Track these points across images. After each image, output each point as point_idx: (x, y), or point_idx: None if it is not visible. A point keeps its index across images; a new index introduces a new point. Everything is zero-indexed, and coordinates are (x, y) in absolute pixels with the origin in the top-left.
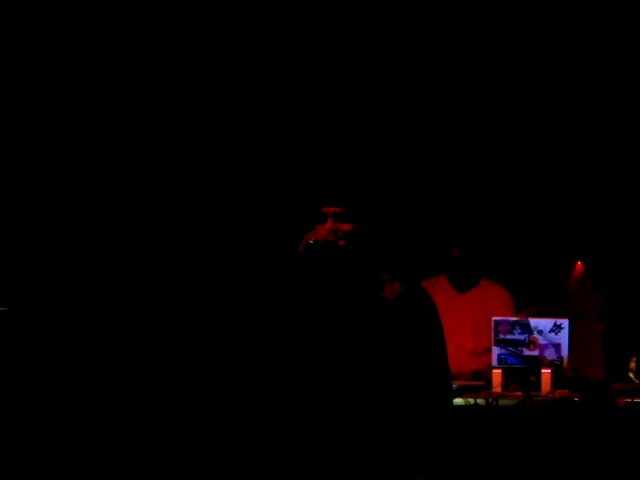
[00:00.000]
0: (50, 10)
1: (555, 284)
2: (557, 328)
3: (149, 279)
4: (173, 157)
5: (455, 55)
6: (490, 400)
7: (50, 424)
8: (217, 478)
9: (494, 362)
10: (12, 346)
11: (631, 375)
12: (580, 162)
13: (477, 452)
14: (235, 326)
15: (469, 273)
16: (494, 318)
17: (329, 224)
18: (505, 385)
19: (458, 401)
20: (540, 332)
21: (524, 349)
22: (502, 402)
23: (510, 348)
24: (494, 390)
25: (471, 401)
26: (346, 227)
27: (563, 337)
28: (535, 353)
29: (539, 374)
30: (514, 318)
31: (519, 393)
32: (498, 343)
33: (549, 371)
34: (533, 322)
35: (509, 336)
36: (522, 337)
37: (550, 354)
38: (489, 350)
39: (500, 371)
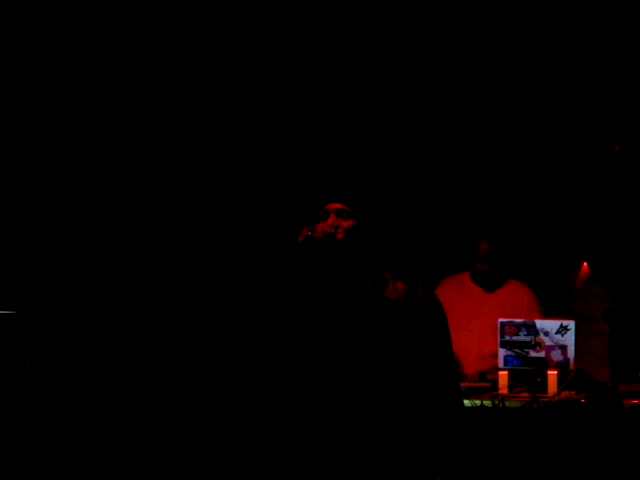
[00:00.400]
0: (50, 10)
1: (561, 285)
2: (563, 329)
3: (150, 274)
4: (174, 151)
5: (465, 52)
6: (496, 402)
7: (56, 426)
8: (217, 478)
9: (500, 364)
10: (18, 349)
11: None
12: (586, 163)
13: (484, 454)
14: (236, 324)
15: (496, 272)
16: (499, 320)
17: (331, 219)
18: (511, 387)
19: (465, 403)
20: (546, 333)
21: (530, 351)
22: (508, 404)
23: (516, 350)
24: (500, 392)
25: (477, 403)
26: (347, 223)
27: (569, 339)
28: (541, 355)
29: (545, 376)
30: (521, 320)
31: (525, 395)
32: (504, 345)
33: (555, 373)
34: (539, 324)
35: (515, 338)
36: (528, 339)
37: (556, 356)
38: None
39: (506, 373)
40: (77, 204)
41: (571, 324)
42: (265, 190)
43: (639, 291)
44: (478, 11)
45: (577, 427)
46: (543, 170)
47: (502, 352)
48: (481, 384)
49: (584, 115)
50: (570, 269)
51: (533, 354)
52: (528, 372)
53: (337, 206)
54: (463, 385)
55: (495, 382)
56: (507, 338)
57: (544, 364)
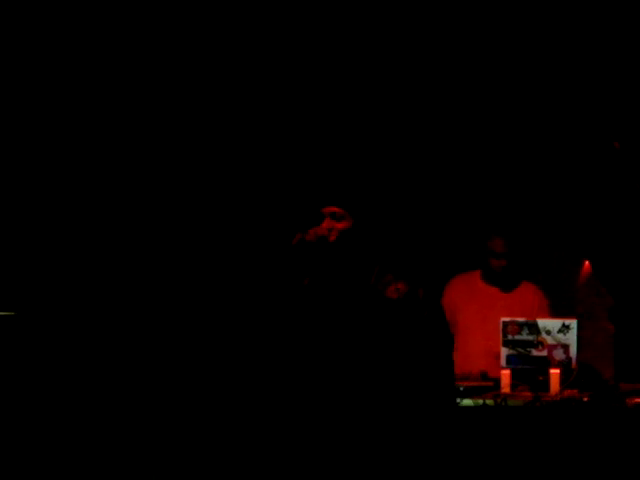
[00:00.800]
0: (50, 10)
1: (564, 284)
2: (565, 328)
3: (149, 276)
4: (173, 156)
5: (467, 52)
6: (499, 401)
7: (56, 427)
8: (217, 478)
9: (502, 363)
10: (18, 350)
11: None
12: (587, 161)
13: (486, 453)
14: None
15: (511, 271)
16: (502, 319)
17: (325, 222)
18: (514, 386)
19: (467, 402)
20: (548, 332)
21: (532, 350)
22: (511, 403)
23: (519, 349)
24: (503, 391)
25: (480, 402)
26: (341, 225)
27: (572, 337)
28: (543, 354)
29: (548, 374)
30: (523, 319)
31: (528, 394)
32: (507, 344)
33: (558, 371)
34: (541, 322)
35: (517, 337)
36: (530, 338)
37: (559, 355)
38: None
39: (509, 372)
40: (76, 205)
41: (573, 323)
42: (261, 193)
43: None
44: (480, 11)
45: (580, 426)
46: (543, 168)
47: (504, 351)
48: (483, 383)
49: (582, 113)
50: (572, 268)
51: (535, 353)
52: (530, 371)
53: (331, 209)
54: (465, 384)
55: (497, 381)
56: (509, 337)
57: (546, 363)
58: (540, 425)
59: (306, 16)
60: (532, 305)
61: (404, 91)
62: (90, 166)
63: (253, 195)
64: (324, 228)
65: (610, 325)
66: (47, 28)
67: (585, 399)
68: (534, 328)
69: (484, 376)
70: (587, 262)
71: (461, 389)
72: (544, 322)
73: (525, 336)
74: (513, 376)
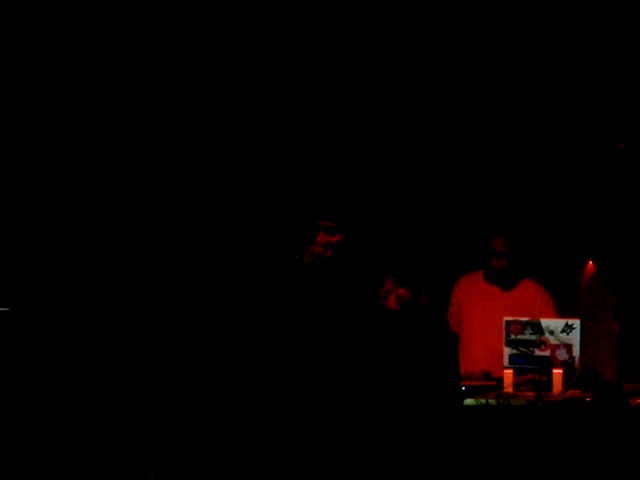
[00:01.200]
0: (50, 10)
1: (567, 284)
2: (569, 328)
3: (149, 284)
4: (173, 158)
5: (469, 53)
6: (501, 400)
7: (51, 424)
8: (217, 478)
9: (505, 362)
10: (13, 346)
11: None
12: (592, 161)
13: (489, 452)
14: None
15: (512, 270)
16: (505, 318)
17: (320, 237)
18: (516, 385)
19: (469, 401)
20: (551, 332)
21: (535, 349)
22: (513, 402)
23: (521, 348)
24: (505, 390)
25: (482, 401)
26: (335, 239)
27: (575, 337)
28: (546, 353)
29: (550, 374)
30: (526, 319)
31: (530, 393)
32: (509, 343)
33: (560, 371)
34: (544, 322)
35: (520, 336)
36: (533, 337)
37: (561, 354)
38: None
39: (511, 371)
40: (74, 203)
41: (576, 323)
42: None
43: None
44: (482, 11)
45: (582, 426)
46: (547, 168)
47: (507, 351)
48: (486, 382)
49: (587, 113)
50: (575, 268)
51: (538, 353)
52: (533, 371)
53: (325, 223)
54: (468, 384)
55: (500, 381)
56: (512, 337)
57: (549, 363)
58: (543, 425)
59: (304, 22)
60: (534, 303)
61: (404, 92)
62: (88, 163)
63: (249, 205)
64: (319, 245)
65: (615, 325)
66: (47, 28)
67: (588, 399)
68: (537, 328)
69: (487, 375)
70: (591, 262)
71: (464, 388)
72: (547, 322)
73: (528, 336)
74: (516, 375)
